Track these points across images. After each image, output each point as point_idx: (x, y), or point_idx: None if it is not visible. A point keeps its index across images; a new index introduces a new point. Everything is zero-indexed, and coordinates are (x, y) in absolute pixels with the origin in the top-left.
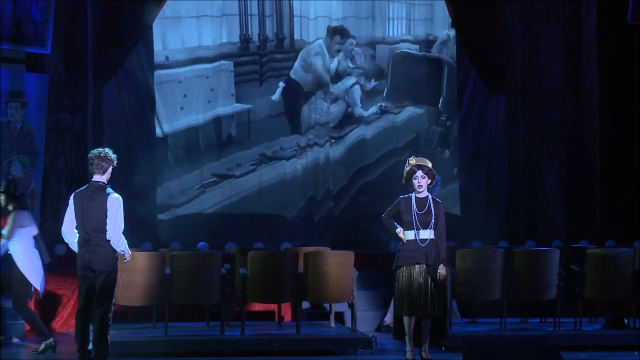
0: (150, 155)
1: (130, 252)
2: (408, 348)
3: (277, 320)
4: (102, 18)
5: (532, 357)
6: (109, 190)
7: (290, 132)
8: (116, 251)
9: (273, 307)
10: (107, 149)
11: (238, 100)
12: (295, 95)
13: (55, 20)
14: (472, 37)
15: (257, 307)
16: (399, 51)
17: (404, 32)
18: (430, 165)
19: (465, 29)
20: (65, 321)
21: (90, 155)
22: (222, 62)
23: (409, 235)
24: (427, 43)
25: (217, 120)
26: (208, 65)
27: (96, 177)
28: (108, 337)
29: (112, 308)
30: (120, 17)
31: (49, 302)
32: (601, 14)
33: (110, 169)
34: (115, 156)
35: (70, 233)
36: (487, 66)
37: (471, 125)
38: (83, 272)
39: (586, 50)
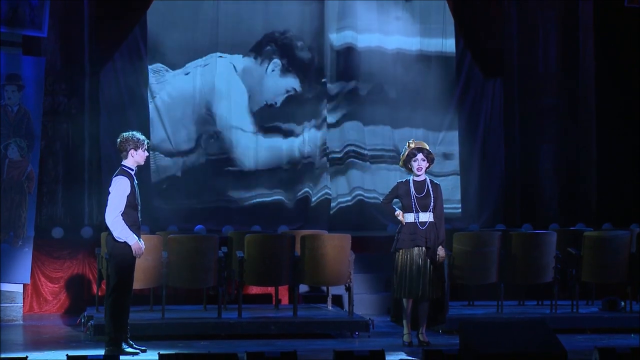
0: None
1: (136, 242)
2: (405, 331)
3: (274, 303)
4: (98, 1)
5: (529, 340)
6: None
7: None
8: None
9: (270, 290)
10: (132, 132)
11: None
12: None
13: (51, 3)
14: (468, 21)
15: (254, 290)
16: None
17: None
18: (428, 148)
19: (461, 14)
20: (61, 304)
21: None
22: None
23: (409, 217)
24: None
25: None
26: None
27: (123, 161)
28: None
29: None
30: (116, 0)
31: (46, 285)
32: None
33: (132, 152)
34: (131, 136)
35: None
36: (483, 51)
37: (466, 109)
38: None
39: (583, 35)
